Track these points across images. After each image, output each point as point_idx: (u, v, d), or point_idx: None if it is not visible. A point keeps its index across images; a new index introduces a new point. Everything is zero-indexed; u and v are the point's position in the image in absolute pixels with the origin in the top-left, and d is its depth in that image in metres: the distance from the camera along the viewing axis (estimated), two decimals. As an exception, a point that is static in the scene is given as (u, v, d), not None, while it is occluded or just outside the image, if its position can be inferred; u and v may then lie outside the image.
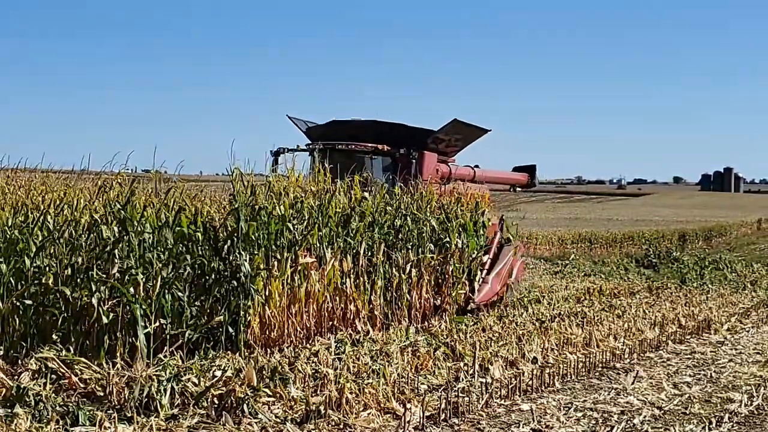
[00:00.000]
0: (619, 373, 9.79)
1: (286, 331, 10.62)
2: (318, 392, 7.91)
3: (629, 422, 7.65)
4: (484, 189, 18.25)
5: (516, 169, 21.28)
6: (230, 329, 10.10)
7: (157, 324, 9.38)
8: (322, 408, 7.35)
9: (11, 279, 9.13)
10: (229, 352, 9.72)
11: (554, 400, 8.35)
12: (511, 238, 17.42)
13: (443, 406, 7.59)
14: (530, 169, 21.32)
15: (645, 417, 7.82)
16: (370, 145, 16.09)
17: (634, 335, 11.92)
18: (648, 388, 9.06)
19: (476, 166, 18.99)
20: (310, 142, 16.74)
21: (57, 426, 6.56)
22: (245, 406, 7.36)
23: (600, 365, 10.17)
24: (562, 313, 14.30)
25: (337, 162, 14.88)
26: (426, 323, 12.88)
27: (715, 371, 10.11)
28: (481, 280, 15.05)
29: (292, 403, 7.67)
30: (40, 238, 9.46)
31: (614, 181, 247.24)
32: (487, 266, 15.46)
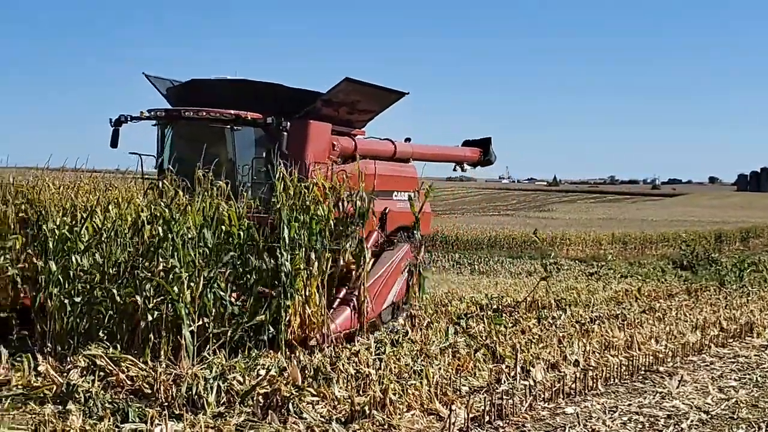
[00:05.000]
0: (663, 377, 9.72)
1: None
2: (361, 392, 7.94)
3: (677, 426, 7.60)
4: (410, 169, 15.33)
5: (467, 144, 17.84)
6: (271, 328, 10.16)
7: (200, 323, 9.47)
8: (366, 408, 7.37)
9: (60, 277, 9.27)
10: (271, 351, 9.77)
11: (599, 404, 8.30)
12: (416, 237, 13.35)
13: (487, 408, 7.59)
14: (483, 144, 17.79)
15: (692, 421, 7.77)
16: (228, 111, 12.42)
17: (675, 338, 11.82)
18: (693, 392, 8.99)
19: (407, 140, 15.81)
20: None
21: (109, 423, 6.63)
22: (290, 405, 7.42)
23: (643, 368, 10.11)
24: (601, 315, 14.22)
25: (187, 136, 12.83)
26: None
27: (760, 375, 10.01)
28: (338, 300, 11.20)
29: (336, 403, 7.71)
30: (87, 238, 9.59)
31: (648, 180, 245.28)
32: (352, 280, 11.40)
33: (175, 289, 9.28)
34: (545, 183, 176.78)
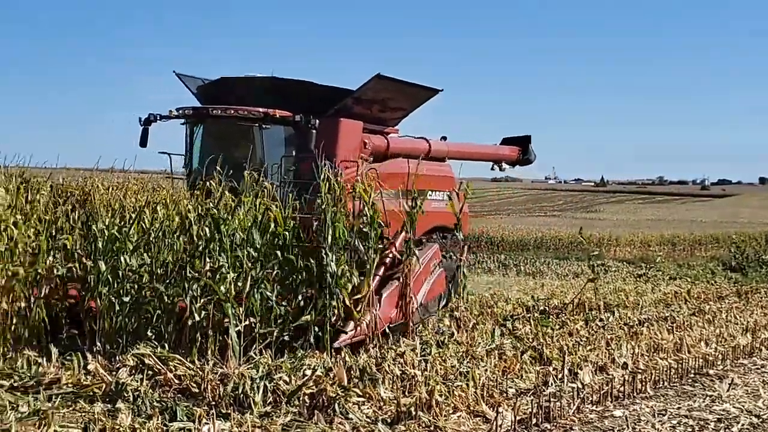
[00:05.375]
0: (713, 380, 9.58)
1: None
2: (407, 393, 7.92)
3: (727, 430, 7.48)
4: (446, 168, 14.96)
5: (506, 143, 17.26)
6: (317, 329, 10.18)
7: (247, 323, 9.53)
8: (412, 409, 7.35)
9: (109, 277, 9.39)
10: (317, 351, 9.79)
11: (647, 407, 8.20)
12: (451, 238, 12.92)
13: (534, 410, 7.53)
14: (522, 142, 17.18)
15: (743, 425, 7.64)
16: (256, 109, 12.28)
17: (725, 341, 11.64)
18: (744, 395, 8.84)
19: (443, 138, 15.42)
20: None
21: (157, 421, 6.69)
22: (336, 405, 7.43)
23: (692, 371, 9.97)
24: (650, 317, 14.06)
25: (215, 134, 12.70)
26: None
27: (812, 379, 9.83)
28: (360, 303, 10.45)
29: (382, 404, 7.70)
30: (135, 238, 9.71)
31: (697, 181, 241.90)
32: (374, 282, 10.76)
33: (222, 289, 9.35)
34: (592, 183, 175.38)
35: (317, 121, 11.99)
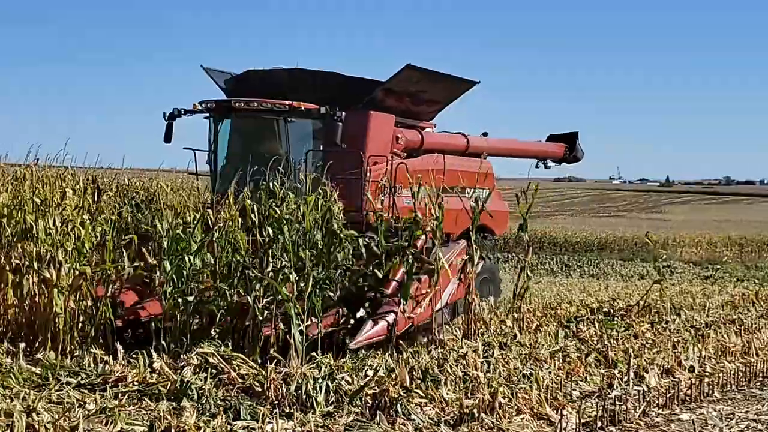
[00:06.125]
0: (783, 384, 9.37)
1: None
2: (470, 395, 7.87)
3: (797, 436, 7.30)
4: (485, 164, 14.45)
5: (551, 140, 16.80)
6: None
7: (309, 322, 9.56)
8: (475, 411, 7.30)
9: (173, 276, 9.51)
10: (378, 351, 9.79)
11: (715, 411, 8.04)
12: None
13: (599, 413, 7.42)
14: (569, 139, 16.68)
15: (813, 431, 7.45)
16: (280, 102, 11.80)
17: (796, 344, 11.36)
18: (815, 400, 8.62)
19: (484, 134, 14.94)
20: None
21: (221, 420, 6.75)
22: (398, 406, 7.41)
23: (761, 375, 9.75)
24: (717, 320, 13.78)
25: (240, 128, 12.37)
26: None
27: None
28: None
29: (444, 405, 7.66)
30: (199, 238, 9.82)
31: (765, 181, 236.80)
32: (393, 283, 10.23)
33: (285, 289, 9.41)
34: (658, 183, 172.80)
35: (343, 113, 11.58)
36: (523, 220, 12.41)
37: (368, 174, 11.46)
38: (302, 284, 9.55)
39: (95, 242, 9.75)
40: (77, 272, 9.43)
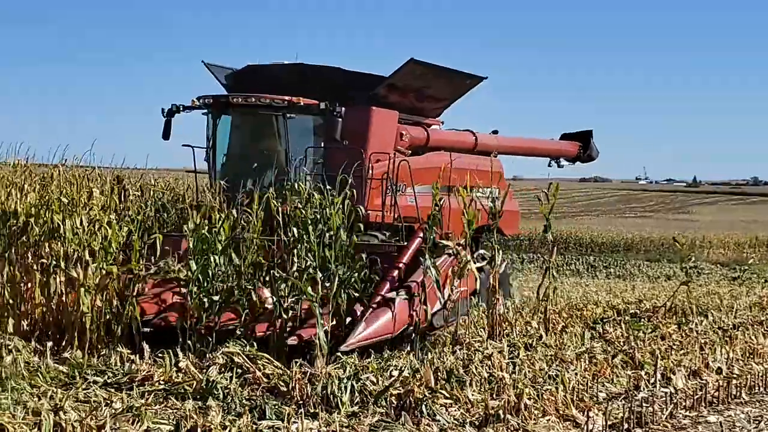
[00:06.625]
0: (812, 387, 9.25)
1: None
2: (495, 396, 7.84)
3: (827, 439, 7.22)
4: (495, 163, 14.12)
5: (565, 138, 16.54)
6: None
7: (334, 322, 9.56)
8: (500, 412, 7.27)
9: (199, 276, 9.54)
10: (403, 352, 9.77)
11: (742, 413, 7.99)
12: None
13: (626, 415, 7.37)
14: (583, 137, 16.39)
15: (844, 434, 7.36)
16: (279, 97, 11.44)
17: (825, 347, 11.22)
18: (844, 403, 8.52)
19: (495, 132, 14.68)
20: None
21: (247, 419, 6.76)
22: (423, 406, 7.39)
23: (790, 377, 9.64)
24: (745, 321, 13.65)
25: (238, 124, 12.07)
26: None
27: None
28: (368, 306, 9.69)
29: (469, 406, 7.65)
30: (223, 238, 9.84)
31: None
32: (388, 283, 9.97)
33: (309, 289, 9.41)
34: (684, 184, 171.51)
35: (343, 109, 11.29)
36: (546, 220, 12.27)
37: (370, 172, 11.23)
38: (327, 284, 9.57)
39: (122, 242, 9.80)
40: (104, 272, 9.49)
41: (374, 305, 9.61)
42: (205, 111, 12.14)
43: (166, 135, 12.28)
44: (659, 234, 47.91)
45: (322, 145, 11.73)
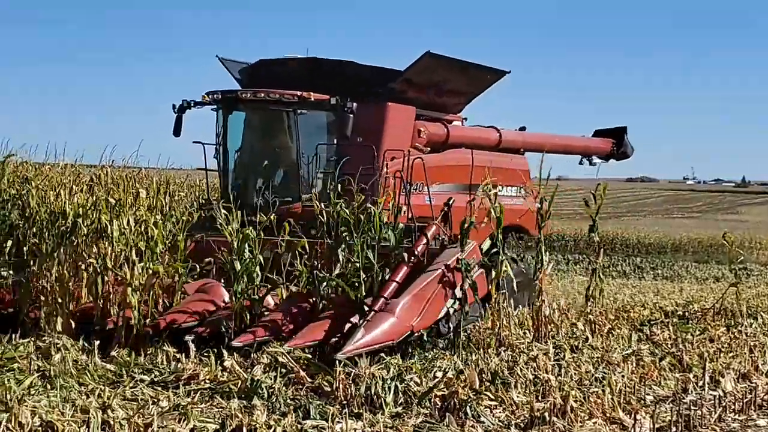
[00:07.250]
0: None
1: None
2: (540, 398, 7.78)
3: None
4: (521, 161, 13.71)
5: (598, 135, 15.97)
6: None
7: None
8: (546, 415, 7.21)
9: (244, 276, 9.60)
10: (446, 353, 9.72)
11: (794, 418, 7.84)
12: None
13: (674, 418, 7.26)
14: (616, 134, 15.82)
15: None
16: (289, 92, 11.14)
17: None
18: None
19: (522, 128, 14.18)
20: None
21: (291, 419, 6.78)
22: (468, 408, 7.36)
23: (843, 381, 9.44)
24: (797, 324, 13.40)
25: (249, 120, 11.80)
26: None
27: None
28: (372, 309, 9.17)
29: (514, 408, 7.59)
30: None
31: None
32: (391, 286, 9.48)
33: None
34: (733, 184, 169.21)
35: (354, 104, 10.98)
36: (593, 221, 12.09)
37: (385, 169, 10.90)
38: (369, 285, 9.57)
39: (167, 242, 9.89)
40: (150, 271, 9.58)
41: (375, 309, 9.18)
42: (215, 107, 11.93)
43: (176, 131, 12.05)
44: (707, 235, 47.27)
45: (335, 142, 11.45)
